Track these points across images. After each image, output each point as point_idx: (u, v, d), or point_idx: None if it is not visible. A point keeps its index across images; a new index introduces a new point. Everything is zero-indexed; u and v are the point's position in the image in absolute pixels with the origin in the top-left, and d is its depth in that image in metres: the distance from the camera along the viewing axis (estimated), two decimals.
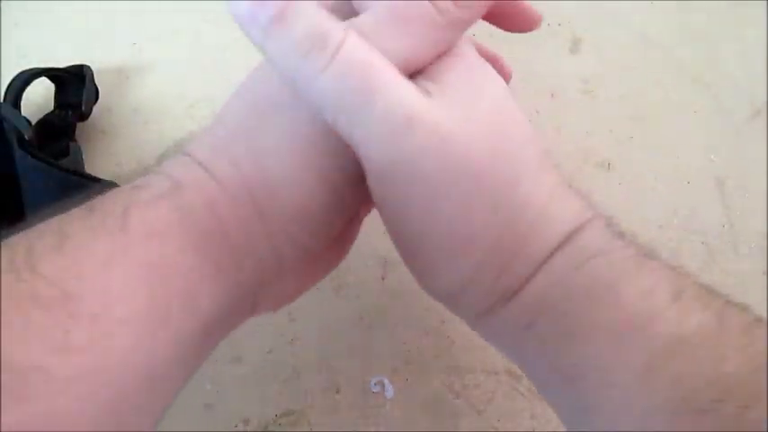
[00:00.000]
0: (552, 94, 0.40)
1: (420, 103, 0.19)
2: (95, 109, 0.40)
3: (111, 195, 0.19)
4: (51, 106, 0.40)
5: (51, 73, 0.39)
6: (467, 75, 0.21)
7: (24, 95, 0.37)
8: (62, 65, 0.40)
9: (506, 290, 0.20)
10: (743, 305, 0.19)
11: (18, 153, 0.32)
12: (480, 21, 0.23)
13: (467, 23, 0.21)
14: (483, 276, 0.20)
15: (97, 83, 0.41)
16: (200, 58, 0.43)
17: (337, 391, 0.32)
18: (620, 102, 0.40)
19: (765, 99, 0.39)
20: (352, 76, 0.19)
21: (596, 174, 0.37)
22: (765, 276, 0.34)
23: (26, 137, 0.32)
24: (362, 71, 0.19)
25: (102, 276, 0.17)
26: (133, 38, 0.44)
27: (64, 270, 0.17)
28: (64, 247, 0.17)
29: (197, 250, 0.19)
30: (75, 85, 0.39)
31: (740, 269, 0.34)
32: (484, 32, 0.43)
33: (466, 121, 0.19)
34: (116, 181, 0.34)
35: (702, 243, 0.35)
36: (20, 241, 0.17)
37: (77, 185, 0.32)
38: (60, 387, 0.16)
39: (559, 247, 0.20)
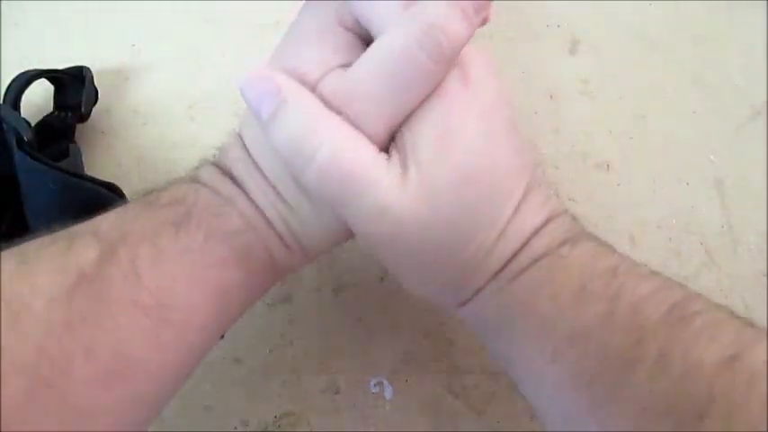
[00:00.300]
0: (551, 95, 0.40)
1: (390, 196, 0.23)
2: (95, 110, 0.40)
3: (195, 218, 0.23)
4: (51, 108, 0.40)
5: (51, 74, 0.39)
6: (439, 138, 0.23)
7: (24, 97, 0.37)
8: (62, 66, 0.40)
9: (462, 300, 0.26)
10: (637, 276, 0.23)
11: (17, 154, 0.32)
12: None
13: (456, 55, 0.23)
14: (444, 295, 0.26)
15: (96, 84, 0.41)
16: (200, 58, 0.43)
17: (337, 392, 0.32)
18: (619, 102, 0.40)
19: (765, 99, 0.39)
20: (329, 181, 0.23)
21: (596, 174, 0.37)
22: (764, 277, 0.34)
23: (26, 138, 0.32)
24: (339, 176, 0.23)
25: (188, 293, 0.22)
26: (133, 38, 0.44)
27: (161, 284, 0.22)
28: (160, 261, 0.22)
29: (250, 278, 0.25)
30: (74, 87, 0.39)
31: (739, 270, 0.34)
32: (485, 34, 0.43)
33: (429, 204, 0.23)
34: (115, 182, 0.34)
35: (701, 243, 0.35)
36: (120, 244, 0.22)
37: (77, 187, 0.32)
38: (151, 375, 0.22)
39: (495, 274, 0.24)
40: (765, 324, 0.32)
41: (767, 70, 0.40)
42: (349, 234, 0.26)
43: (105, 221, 0.23)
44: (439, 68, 0.23)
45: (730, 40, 0.42)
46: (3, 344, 0.19)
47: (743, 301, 0.33)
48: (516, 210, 0.24)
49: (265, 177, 0.25)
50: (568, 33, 0.43)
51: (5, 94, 0.37)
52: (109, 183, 0.33)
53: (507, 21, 0.43)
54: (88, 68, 0.40)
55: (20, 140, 0.32)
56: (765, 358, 0.20)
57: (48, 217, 0.33)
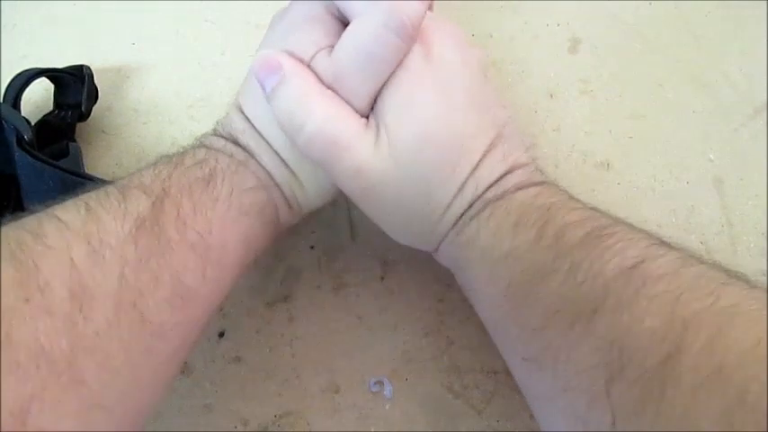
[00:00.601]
0: (551, 95, 0.40)
1: (364, 156, 0.27)
2: (95, 109, 0.41)
3: (219, 175, 0.27)
4: (51, 106, 0.40)
5: (51, 73, 0.39)
6: (401, 104, 0.28)
7: (24, 96, 0.37)
8: (62, 65, 0.40)
9: (434, 246, 0.30)
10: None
11: (18, 153, 0.32)
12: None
13: (417, 29, 0.27)
14: (419, 242, 0.31)
15: (97, 83, 0.41)
16: (200, 58, 0.43)
17: (336, 392, 0.32)
18: (619, 102, 0.40)
19: (765, 99, 0.39)
20: (316, 146, 0.27)
21: (595, 173, 0.37)
22: (764, 276, 0.34)
23: (26, 137, 0.32)
24: (323, 143, 0.27)
25: (221, 235, 0.26)
26: (133, 38, 0.44)
27: (201, 228, 0.25)
28: (198, 210, 0.26)
29: (264, 229, 0.29)
30: (74, 86, 0.39)
31: (739, 269, 0.34)
32: (484, 33, 0.44)
33: (396, 161, 0.27)
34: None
35: (701, 243, 0.35)
36: (165, 196, 0.25)
37: (77, 185, 0.32)
38: (200, 303, 0.25)
39: (455, 223, 0.29)
40: None
41: (767, 70, 0.40)
42: (337, 192, 0.30)
43: (145, 177, 0.26)
44: (405, 43, 0.27)
45: (730, 40, 0.42)
46: (89, 274, 0.21)
47: None
48: (474, 168, 0.28)
49: (270, 145, 0.29)
50: (569, 33, 0.43)
51: (6, 92, 0.37)
52: (109, 182, 0.33)
53: (507, 21, 0.43)
54: (88, 67, 0.40)
55: (20, 139, 0.32)
56: (661, 271, 0.23)
57: None
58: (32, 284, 0.20)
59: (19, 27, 0.45)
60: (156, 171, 0.27)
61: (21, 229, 0.22)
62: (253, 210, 0.28)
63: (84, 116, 0.39)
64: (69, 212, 0.23)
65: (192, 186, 0.26)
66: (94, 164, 0.39)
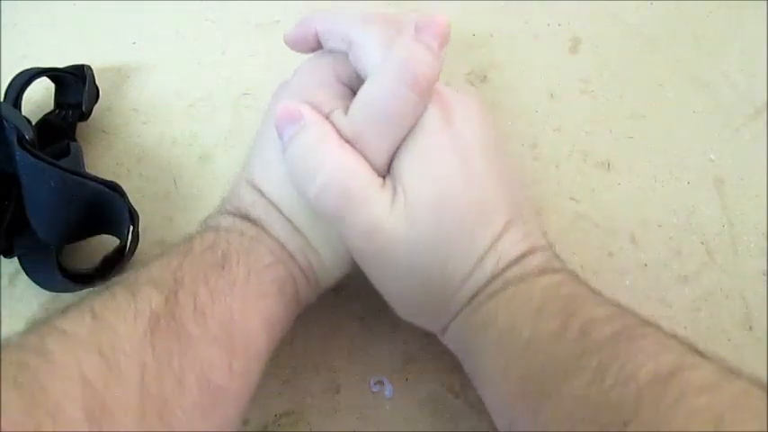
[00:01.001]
0: (552, 94, 0.40)
1: (380, 215, 0.26)
2: (96, 108, 0.40)
3: (234, 257, 0.26)
4: (52, 106, 0.40)
5: (52, 73, 0.39)
6: (421, 166, 0.27)
7: (25, 95, 0.37)
8: (62, 65, 0.40)
9: (443, 325, 0.28)
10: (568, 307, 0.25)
11: (18, 153, 0.32)
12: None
13: (431, 82, 0.27)
14: (427, 319, 0.29)
15: (97, 82, 0.41)
16: (201, 57, 0.43)
17: (337, 392, 0.32)
18: (619, 102, 0.40)
19: (765, 99, 0.39)
20: (328, 196, 0.26)
21: (596, 174, 0.37)
22: (765, 276, 0.34)
23: (27, 137, 0.32)
24: (337, 193, 0.26)
25: (244, 323, 0.24)
26: (133, 38, 0.44)
27: (222, 317, 0.24)
28: (217, 298, 0.24)
29: (286, 309, 0.28)
30: (75, 86, 0.39)
31: (739, 269, 0.34)
32: (485, 33, 0.44)
33: (412, 225, 0.26)
34: (116, 180, 0.34)
35: (702, 243, 0.35)
36: (179, 288, 0.23)
37: (78, 185, 0.32)
38: (231, 401, 0.24)
39: (470, 300, 0.27)
40: (766, 323, 0.32)
41: (767, 70, 0.40)
42: (355, 263, 0.29)
43: (154, 271, 0.24)
44: (421, 98, 0.27)
45: (730, 40, 0.42)
46: (105, 389, 0.19)
47: (743, 300, 0.33)
48: (495, 240, 0.26)
49: (281, 212, 0.28)
50: (569, 32, 0.43)
51: (6, 92, 0.37)
52: (110, 181, 0.33)
53: (507, 20, 0.43)
54: (89, 67, 0.40)
55: (21, 139, 0.32)
56: (701, 383, 0.20)
57: (49, 215, 0.33)
58: (41, 410, 0.18)
59: (19, 27, 0.45)
60: (165, 262, 0.25)
61: (22, 350, 0.20)
62: (272, 289, 0.26)
63: (84, 116, 0.39)
64: (74, 321, 0.21)
65: (207, 273, 0.25)
66: (95, 163, 0.39)
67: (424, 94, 0.27)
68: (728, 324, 0.33)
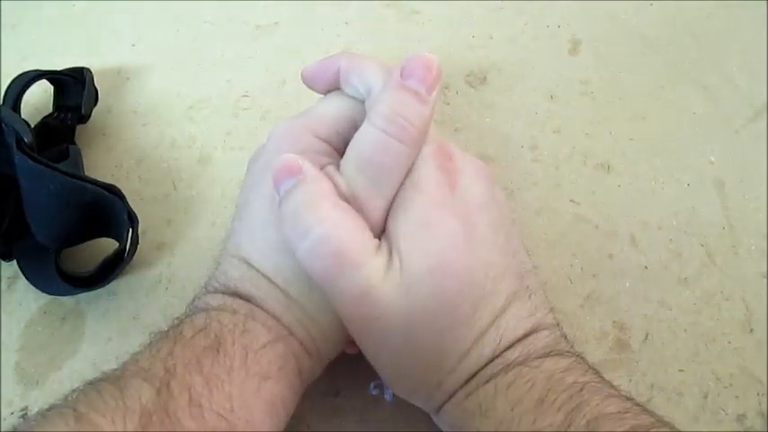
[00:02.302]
0: (552, 96, 0.40)
1: (373, 279, 0.24)
2: (95, 111, 0.40)
3: (228, 339, 0.24)
4: (51, 109, 0.40)
5: (51, 75, 0.39)
6: (419, 230, 0.25)
7: (24, 98, 0.37)
8: (61, 66, 0.40)
9: (437, 405, 0.26)
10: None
11: (17, 156, 0.32)
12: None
13: (423, 131, 0.26)
14: (420, 397, 0.27)
15: (96, 84, 0.41)
16: (201, 58, 0.43)
17: (336, 395, 0.32)
18: (619, 103, 0.40)
19: (765, 100, 0.39)
20: (319, 255, 0.24)
21: (596, 175, 0.37)
22: (765, 278, 0.34)
23: (25, 140, 0.32)
24: (329, 252, 0.24)
25: (245, 410, 0.22)
26: (133, 40, 0.44)
27: (222, 406, 0.22)
28: (214, 385, 0.22)
29: (290, 389, 0.25)
30: (74, 88, 0.39)
31: (740, 271, 0.34)
32: (485, 34, 0.43)
33: (408, 292, 0.24)
34: (116, 183, 0.34)
35: (702, 245, 0.35)
36: (171, 379, 0.22)
37: (77, 188, 0.32)
38: None
39: (467, 380, 0.25)
40: (766, 326, 0.32)
41: (767, 70, 0.40)
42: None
43: (142, 361, 0.23)
44: (410, 148, 0.26)
45: (730, 40, 0.42)
46: None
47: (744, 302, 0.33)
48: (498, 316, 0.25)
49: (273, 283, 0.26)
50: (569, 34, 0.43)
51: (5, 95, 0.37)
52: (109, 184, 0.33)
53: (507, 21, 0.43)
54: (88, 69, 0.40)
55: (20, 142, 0.32)
56: None
57: (47, 219, 0.33)
58: None
59: (19, 27, 0.45)
60: (154, 351, 0.23)
61: None
62: (273, 370, 0.24)
63: (84, 118, 0.39)
64: (55, 425, 0.20)
65: (201, 359, 0.23)
66: (94, 166, 0.39)
67: (416, 143, 0.26)
68: (729, 326, 0.33)
